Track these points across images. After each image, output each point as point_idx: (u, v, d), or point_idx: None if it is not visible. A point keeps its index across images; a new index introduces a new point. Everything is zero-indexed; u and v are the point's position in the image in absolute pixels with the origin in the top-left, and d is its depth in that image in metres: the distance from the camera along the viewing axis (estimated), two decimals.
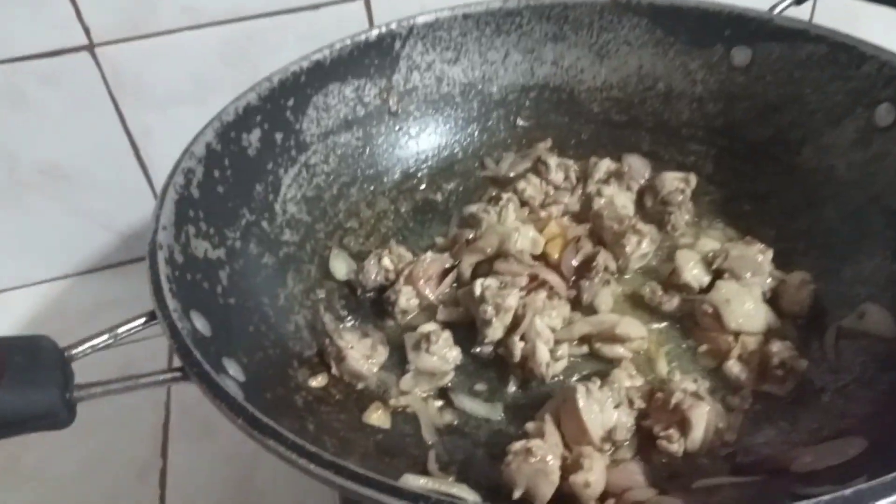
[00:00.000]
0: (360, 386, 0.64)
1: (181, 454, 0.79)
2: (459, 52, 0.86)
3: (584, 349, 0.66)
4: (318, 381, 0.62)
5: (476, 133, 0.89)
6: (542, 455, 0.52)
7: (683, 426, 0.56)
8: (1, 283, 1.00)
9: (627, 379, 0.62)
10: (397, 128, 0.85)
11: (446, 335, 0.65)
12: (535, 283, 0.68)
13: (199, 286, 0.56)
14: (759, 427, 0.59)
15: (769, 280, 0.68)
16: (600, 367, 0.65)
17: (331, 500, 0.70)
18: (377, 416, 0.61)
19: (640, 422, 0.59)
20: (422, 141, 0.87)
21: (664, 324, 0.68)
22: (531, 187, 0.79)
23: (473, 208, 0.79)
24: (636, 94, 0.87)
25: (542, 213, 0.77)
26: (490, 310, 0.64)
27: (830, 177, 0.73)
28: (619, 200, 0.77)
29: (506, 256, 0.70)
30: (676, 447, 0.55)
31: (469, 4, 0.84)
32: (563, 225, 0.75)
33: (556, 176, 0.81)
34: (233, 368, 0.52)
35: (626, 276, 0.73)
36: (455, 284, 0.72)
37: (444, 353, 0.65)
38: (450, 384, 0.65)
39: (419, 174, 0.86)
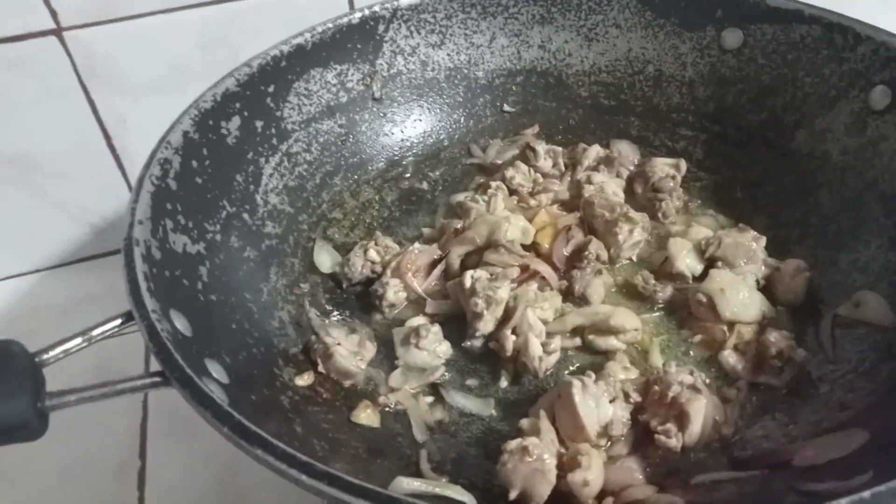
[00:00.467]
0: (347, 384, 0.62)
1: (160, 455, 0.77)
2: (444, 35, 0.83)
3: (577, 341, 0.65)
4: (304, 380, 0.60)
5: (462, 119, 0.87)
6: (539, 454, 0.51)
7: (681, 420, 0.55)
8: None
9: (622, 371, 0.60)
10: (381, 114, 0.83)
11: (436, 329, 0.64)
12: (527, 275, 0.66)
13: (178, 283, 0.54)
14: (757, 420, 0.58)
15: (763, 268, 0.67)
16: (593, 359, 0.64)
17: (315, 500, 0.69)
18: (366, 416, 0.59)
19: (635, 416, 0.57)
20: (407, 128, 0.84)
21: (657, 314, 0.67)
22: (520, 175, 0.77)
23: (461, 197, 0.77)
24: (625, 78, 0.85)
25: (532, 202, 0.75)
26: (481, 303, 0.63)
27: (825, 163, 0.72)
28: (609, 187, 0.76)
29: (496, 247, 0.68)
30: (675, 442, 0.54)
31: None
32: (552, 213, 0.73)
33: (545, 163, 0.80)
34: (216, 370, 0.49)
35: (618, 266, 0.71)
36: (443, 276, 0.70)
37: (434, 348, 0.63)
38: (440, 380, 0.63)
39: (404, 162, 0.83)
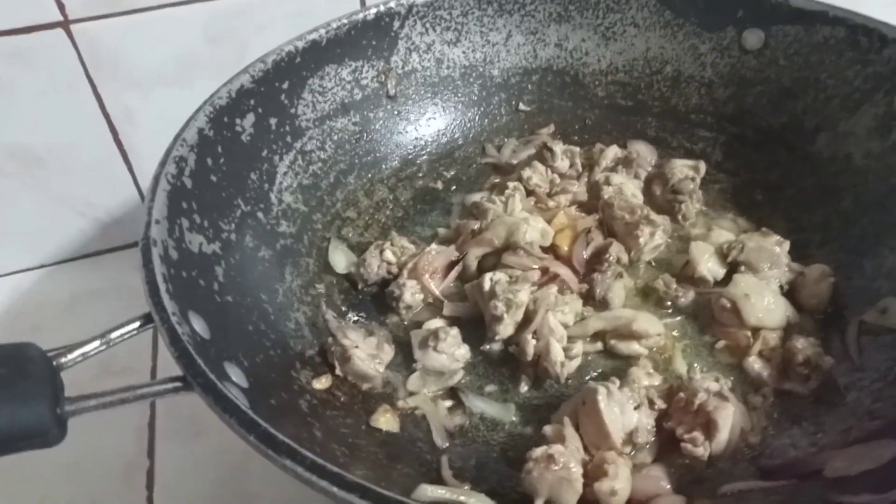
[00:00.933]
0: (365, 387, 0.60)
1: (168, 454, 0.75)
2: (460, 32, 0.82)
3: (598, 346, 0.64)
4: (322, 383, 0.59)
5: (477, 118, 0.86)
6: (565, 462, 0.50)
7: (708, 428, 0.54)
8: None
9: (645, 377, 0.59)
10: (396, 112, 0.81)
11: (454, 332, 0.62)
12: (546, 278, 0.65)
13: (195, 284, 0.52)
14: (783, 428, 0.57)
15: (787, 273, 0.66)
16: (615, 364, 0.63)
17: (323, 500, 0.68)
18: (385, 420, 0.58)
19: (660, 423, 0.56)
20: (421, 126, 0.83)
21: (679, 318, 0.66)
22: (537, 175, 0.76)
23: (477, 197, 0.76)
24: (643, 78, 0.84)
25: (550, 203, 0.73)
26: (501, 306, 0.61)
27: (847, 166, 0.71)
28: (628, 189, 0.75)
29: (514, 249, 0.67)
30: (702, 450, 0.53)
31: None
32: (571, 215, 0.72)
33: (562, 163, 0.78)
34: (235, 374, 0.48)
35: (638, 269, 0.70)
36: (461, 278, 0.69)
37: (453, 352, 0.62)
38: (459, 384, 0.62)
39: (418, 161, 0.82)
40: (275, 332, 0.59)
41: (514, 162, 0.82)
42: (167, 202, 0.53)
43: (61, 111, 0.85)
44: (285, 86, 0.70)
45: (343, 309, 0.68)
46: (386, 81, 0.80)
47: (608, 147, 0.80)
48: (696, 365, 0.62)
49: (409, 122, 0.82)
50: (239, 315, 0.56)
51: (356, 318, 0.67)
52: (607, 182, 0.75)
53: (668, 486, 0.52)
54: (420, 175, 0.81)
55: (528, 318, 0.62)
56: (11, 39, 0.79)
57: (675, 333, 0.65)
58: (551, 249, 0.69)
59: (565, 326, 0.62)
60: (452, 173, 0.83)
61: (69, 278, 0.96)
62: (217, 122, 0.63)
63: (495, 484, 0.54)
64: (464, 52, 0.83)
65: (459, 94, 0.85)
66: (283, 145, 0.70)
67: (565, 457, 0.50)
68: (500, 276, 0.64)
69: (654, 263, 0.71)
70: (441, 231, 0.75)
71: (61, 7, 0.79)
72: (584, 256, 0.68)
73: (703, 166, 0.76)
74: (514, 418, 0.59)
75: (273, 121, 0.69)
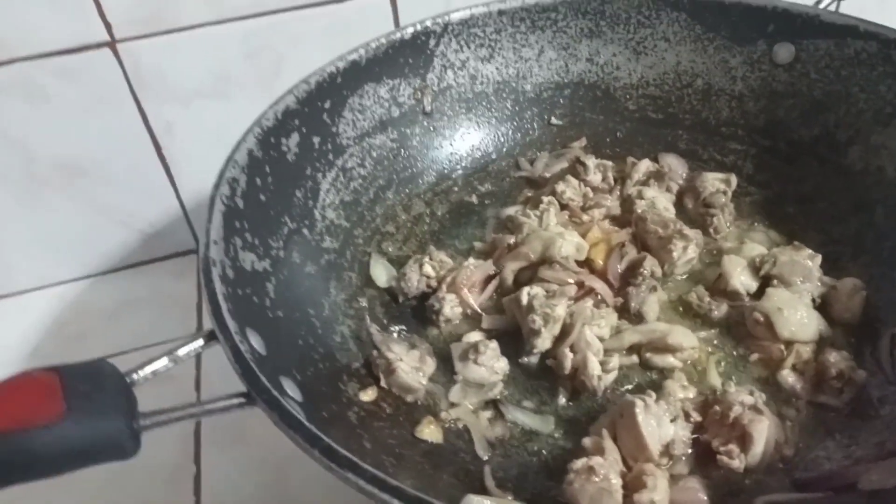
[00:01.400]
0: (409, 398, 0.63)
1: (214, 459, 0.78)
2: (494, 49, 0.84)
3: (634, 359, 0.65)
4: (368, 395, 0.61)
5: (510, 132, 0.87)
6: (605, 474, 0.52)
7: (744, 441, 0.55)
8: (20, 284, 0.98)
9: (680, 390, 0.61)
10: (431, 128, 0.83)
11: (494, 345, 0.64)
12: (583, 292, 0.67)
13: (249, 301, 0.55)
14: (817, 440, 0.58)
15: (819, 286, 0.67)
16: (650, 376, 0.64)
17: (364, 500, 0.70)
18: (429, 431, 0.60)
19: (696, 435, 0.58)
20: (455, 141, 0.85)
21: (713, 331, 0.67)
22: (570, 189, 0.78)
23: (511, 211, 0.78)
24: (673, 92, 0.85)
25: (584, 217, 0.75)
26: (539, 320, 0.63)
27: (880, 179, 0.72)
28: (661, 203, 0.76)
29: (550, 263, 0.69)
30: (738, 463, 0.55)
31: (504, 0, 0.82)
32: (605, 229, 0.74)
33: (595, 177, 0.80)
34: (290, 388, 0.51)
35: (671, 282, 0.72)
36: (498, 292, 0.71)
37: (493, 364, 0.64)
38: (499, 396, 0.63)
39: (454, 175, 0.84)
40: (322, 346, 0.62)
41: (547, 175, 0.83)
42: (223, 223, 0.56)
43: (106, 126, 0.89)
44: (327, 105, 0.73)
45: (385, 322, 0.70)
46: (422, 98, 0.82)
47: (640, 161, 0.81)
48: (731, 378, 0.63)
49: (444, 138, 0.84)
50: (289, 330, 0.59)
51: (397, 330, 0.69)
52: (640, 196, 0.76)
53: (705, 498, 0.53)
54: (455, 189, 0.83)
55: (565, 332, 0.63)
56: (61, 59, 0.82)
57: (709, 346, 0.66)
58: (586, 263, 0.71)
59: (601, 340, 0.64)
60: (487, 187, 0.84)
61: (113, 288, 0.99)
62: (265, 142, 0.65)
63: (535, 494, 0.56)
64: (497, 69, 0.85)
65: (493, 110, 0.87)
66: (326, 163, 0.73)
67: (605, 469, 0.52)
68: (537, 290, 0.65)
69: (687, 276, 0.72)
70: (477, 245, 0.77)
71: (109, 27, 0.82)
72: (619, 270, 0.69)
73: (734, 179, 0.77)
74: (552, 429, 0.61)
75: (316, 139, 0.72)
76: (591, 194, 0.79)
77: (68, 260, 0.99)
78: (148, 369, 0.45)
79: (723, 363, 0.65)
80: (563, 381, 0.63)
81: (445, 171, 0.84)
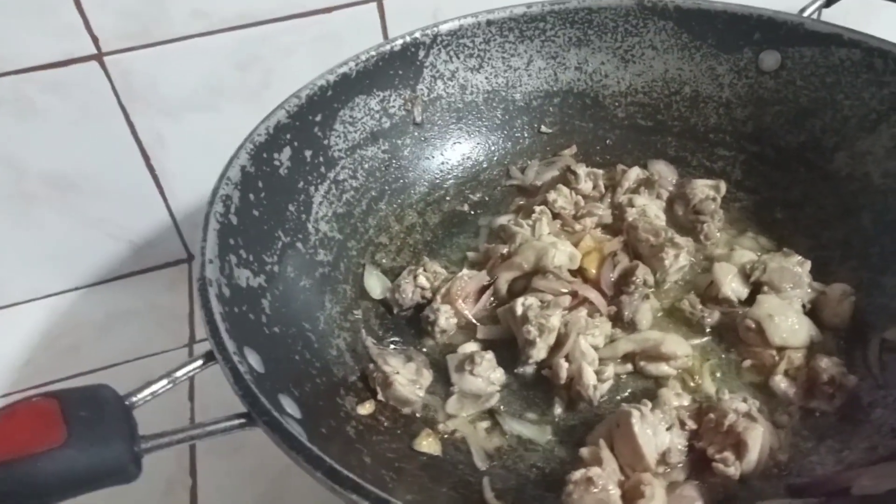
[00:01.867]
0: (406, 411, 0.63)
1: (210, 471, 0.78)
2: (483, 59, 0.85)
3: (628, 367, 0.66)
4: (366, 409, 0.61)
5: (500, 141, 0.88)
6: (604, 484, 0.52)
7: (739, 448, 0.56)
8: (11, 296, 0.98)
9: (675, 398, 0.61)
10: (422, 139, 0.84)
11: (490, 356, 0.65)
12: (576, 301, 0.67)
13: (246, 319, 0.55)
14: (810, 446, 0.59)
15: (809, 292, 0.68)
16: (644, 384, 0.65)
17: None
18: (428, 443, 0.60)
19: (691, 443, 0.58)
20: (446, 151, 0.86)
21: (705, 339, 0.68)
22: (562, 198, 0.78)
23: (503, 220, 0.78)
24: (662, 99, 0.86)
25: (577, 226, 0.76)
26: (534, 330, 0.64)
27: (866, 185, 0.73)
28: (651, 210, 0.77)
29: (544, 273, 0.69)
30: (733, 470, 0.55)
31: (492, 10, 0.83)
32: (597, 238, 0.74)
33: (585, 185, 0.81)
34: (289, 405, 0.51)
35: (663, 290, 0.72)
36: (492, 301, 0.71)
37: (489, 375, 0.64)
38: (495, 406, 0.64)
39: (445, 185, 0.85)
40: (319, 360, 0.62)
41: (538, 184, 0.84)
42: (217, 241, 0.56)
43: (95, 138, 0.89)
44: (318, 118, 0.73)
45: (380, 334, 0.70)
46: (412, 109, 0.82)
47: (630, 168, 0.82)
48: (724, 385, 0.64)
49: (435, 148, 0.85)
50: (286, 346, 0.59)
51: (393, 342, 0.70)
52: (630, 204, 0.77)
53: None
54: (447, 199, 0.84)
55: (560, 342, 0.64)
56: (49, 73, 0.82)
57: (702, 353, 0.67)
58: (579, 272, 0.71)
59: (596, 349, 0.64)
60: (478, 196, 0.85)
61: (104, 299, 0.99)
62: (257, 157, 0.65)
63: None
64: (486, 78, 0.86)
65: (483, 119, 0.87)
66: (318, 176, 0.73)
67: (604, 479, 0.52)
68: (531, 300, 0.66)
69: (679, 283, 0.73)
70: (470, 255, 0.78)
71: (95, 41, 0.81)
72: (612, 279, 0.70)
73: (723, 186, 0.78)
74: (549, 439, 0.62)
75: (308, 153, 0.72)
76: (582, 203, 0.79)
77: (59, 272, 0.98)
78: (146, 391, 0.45)
79: (716, 370, 0.66)
80: (559, 390, 0.64)
81: (437, 181, 0.85)
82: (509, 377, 0.65)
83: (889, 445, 0.55)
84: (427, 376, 0.65)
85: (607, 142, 0.88)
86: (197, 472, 0.78)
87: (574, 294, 0.68)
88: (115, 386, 0.47)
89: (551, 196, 0.78)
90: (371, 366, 0.64)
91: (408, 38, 0.79)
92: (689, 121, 0.85)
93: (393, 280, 0.74)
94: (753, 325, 0.65)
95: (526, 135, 0.88)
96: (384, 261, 0.76)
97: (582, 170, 0.81)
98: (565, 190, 0.79)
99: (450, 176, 0.85)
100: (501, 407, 0.64)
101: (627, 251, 0.73)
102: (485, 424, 0.63)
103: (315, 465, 0.41)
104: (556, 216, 0.78)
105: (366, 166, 0.78)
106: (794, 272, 0.68)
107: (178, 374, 0.46)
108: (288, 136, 0.69)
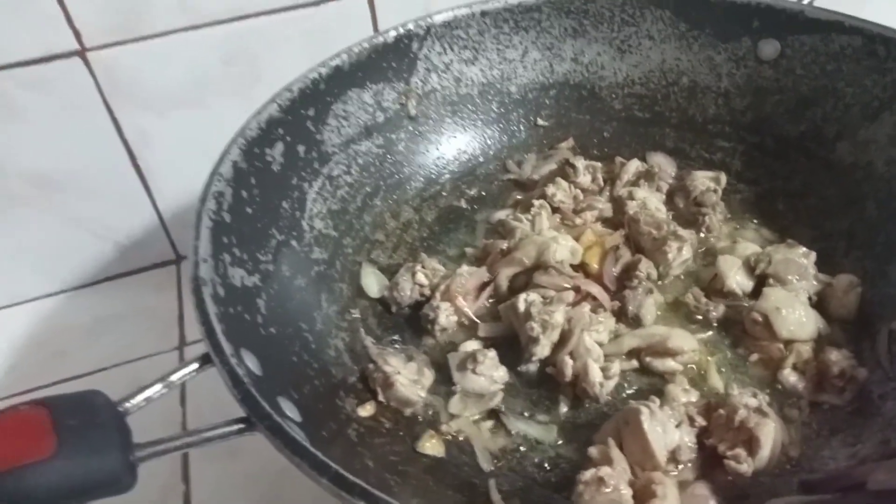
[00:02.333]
0: (408, 412, 0.61)
1: (204, 477, 0.76)
2: (477, 51, 0.83)
3: (634, 363, 0.64)
4: (366, 410, 0.59)
5: (496, 134, 0.86)
6: (615, 484, 0.51)
7: (751, 444, 0.55)
8: None
9: (682, 394, 0.60)
10: (417, 133, 0.82)
11: (492, 354, 0.63)
12: (579, 297, 0.66)
13: (241, 320, 0.53)
14: (822, 440, 0.58)
15: (815, 284, 0.67)
16: (651, 380, 0.64)
17: None
18: (431, 445, 0.58)
19: (701, 439, 0.57)
20: (442, 145, 0.84)
21: (710, 332, 0.67)
22: (561, 192, 0.77)
23: (502, 215, 0.77)
24: (659, 90, 0.85)
25: (577, 220, 0.74)
26: (537, 327, 0.62)
27: (870, 174, 0.72)
28: (652, 203, 0.76)
29: (545, 268, 0.68)
30: (745, 467, 0.54)
31: (486, 1, 0.81)
32: (598, 232, 0.73)
33: (584, 178, 0.79)
34: (288, 408, 0.49)
35: (666, 284, 0.71)
36: (493, 298, 0.69)
37: (492, 374, 0.62)
38: (499, 405, 0.62)
39: (441, 180, 0.83)
40: (317, 361, 0.60)
41: (536, 177, 0.83)
42: (211, 239, 0.54)
43: (78, 136, 0.86)
44: (311, 112, 0.71)
45: (379, 333, 0.68)
46: (406, 102, 0.80)
47: (629, 161, 0.81)
48: (732, 380, 0.63)
49: (430, 142, 0.83)
50: (283, 347, 0.57)
51: (392, 341, 0.68)
52: (630, 197, 0.76)
53: None
54: (444, 194, 0.82)
55: (563, 339, 0.62)
56: (29, 69, 0.79)
57: (708, 347, 0.65)
58: (581, 267, 0.70)
59: (600, 345, 0.63)
60: (475, 191, 0.83)
61: (90, 302, 0.97)
62: (249, 153, 0.63)
63: None
64: (481, 70, 0.84)
65: (479, 112, 0.85)
66: (312, 172, 0.71)
67: (615, 479, 0.51)
68: (534, 296, 0.64)
69: (682, 277, 0.72)
70: (468, 250, 0.76)
71: (78, 35, 0.79)
72: (615, 273, 0.69)
73: (723, 177, 0.77)
74: (555, 438, 0.60)
75: (301, 148, 0.70)
76: (581, 196, 0.78)
77: (44, 274, 0.96)
78: (140, 397, 0.43)
79: (723, 364, 0.64)
80: (564, 388, 0.62)
81: (433, 176, 0.83)
82: (513, 376, 0.64)
83: None
84: (429, 376, 0.63)
85: (604, 134, 0.86)
86: (190, 478, 0.76)
87: (577, 289, 0.66)
88: (106, 391, 0.45)
89: (550, 190, 0.77)
90: (371, 366, 0.62)
91: (401, 30, 0.77)
92: (687, 112, 0.84)
93: (390, 278, 0.72)
94: (760, 319, 0.64)
95: (522, 128, 0.87)
96: (381, 258, 0.75)
97: (581, 163, 0.79)
98: (564, 183, 0.78)
99: (445, 171, 0.83)
100: (505, 406, 0.62)
101: (629, 245, 0.72)
102: (489, 424, 0.61)
103: (320, 470, 0.39)
104: (555, 210, 0.76)
105: (360, 161, 0.77)
106: (800, 264, 0.67)
107: (173, 378, 0.44)
108: (280, 131, 0.67)
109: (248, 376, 0.46)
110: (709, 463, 0.56)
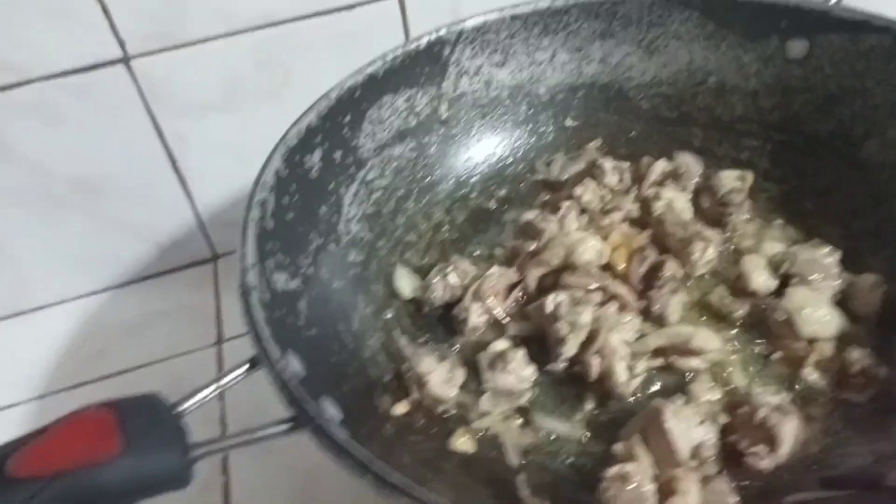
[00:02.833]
0: (440, 409, 0.64)
1: (242, 469, 0.79)
2: (507, 54, 0.85)
3: (659, 362, 0.66)
4: (401, 408, 0.62)
5: (525, 136, 0.88)
6: (639, 481, 0.53)
7: (772, 441, 0.56)
8: (40, 299, 1.00)
9: (706, 392, 0.62)
10: (448, 135, 0.84)
11: (521, 353, 0.65)
12: (607, 297, 0.68)
13: (285, 322, 0.56)
14: (843, 438, 0.59)
15: (839, 283, 0.68)
16: (675, 379, 0.65)
17: None
18: (463, 442, 0.61)
19: (723, 436, 0.59)
20: (472, 147, 0.86)
21: (735, 331, 0.68)
22: (589, 192, 0.78)
23: (530, 216, 0.78)
24: (687, 90, 0.86)
25: (605, 221, 0.76)
26: (565, 327, 0.64)
27: None
28: (678, 204, 0.77)
29: (573, 269, 0.70)
30: (766, 463, 0.56)
31: (517, 4, 0.82)
32: (625, 232, 0.74)
33: (612, 179, 0.81)
34: (331, 407, 0.52)
35: (691, 283, 0.72)
36: (522, 298, 0.71)
37: (521, 372, 0.64)
38: (528, 403, 0.65)
39: (471, 181, 0.85)
40: (356, 361, 0.63)
41: (564, 178, 0.84)
42: (256, 246, 0.57)
43: (121, 142, 0.90)
44: (347, 119, 0.73)
45: (412, 332, 0.71)
46: (438, 106, 0.83)
47: (656, 161, 0.82)
48: (755, 377, 0.64)
49: (460, 145, 0.85)
50: (323, 348, 0.60)
51: (425, 340, 0.70)
52: (657, 197, 0.77)
53: (734, 501, 0.54)
54: (473, 195, 0.84)
55: (591, 338, 0.64)
56: (76, 77, 0.82)
57: (732, 347, 0.67)
58: (608, 268, 0.72)
59: (626, 344, 0.65)
60: (504, 192, 0.85)
61: (133, 300, 1.00)
62: (290, 161, 0.66)
63: (569, 501, 0.57)
64: (511, 73, 0.86)
65: (508, 114, 0.87)
66: (348, 177, 0.74)
67: (638, 475, 0.53)
68: (562, 297, 0.66)
69: (707, 276, 0.73)
70: (497, 251, 0.78)
71: (122, 44, 0.82)
72: (641, 274, 0.70)
73: (750, 176, 0.78)
74: (582, 435, 0.62)
75: (338, 154, 0.72)
76: (608, 197, 0.79)
77: (86, 274, 1.00)
78: (195, 399, 0.46)
79: (746, 362, 0.66)
80: (591, 386, 0.64)
81: (463, 178, 0.85)
82: (541, 374, 0.66)
83: None
84: (460, 374, 0.65)
85: (632, 134, 0.87)
86: (229, 469, 0.79)
87: (604, 290, 0.68)
88: (148, 386, 0.48)
89: (578, 191, 0.78)
90: (405, 365, 0.64)
91: (433, 36, 0.79)
92: (714, 111, 0.85)
93: (422, 279, 0.74)
94: (784, 318, 0.65)
95: (550, 129, 0.88)
96: (413, 259, 0.77)
97: (609, 163, 0.81)
98: (592, 184, 0.79)
99: (475, 172, 0.86)
100: (533, 403, 0.65)
101: (655, 245, 0.73)
102: (518, 421, 0.64)
103: (364, 469, 0.42)
104: (583, 211, 0.78)
105: (393, 165, 0.79)
106: (824, 263, 0.68)
107: (224, 380, 0.48)
108: (318, 139, 0.70)
109: (295, 378, 0.48)
110: (731, 459, 0.58)
